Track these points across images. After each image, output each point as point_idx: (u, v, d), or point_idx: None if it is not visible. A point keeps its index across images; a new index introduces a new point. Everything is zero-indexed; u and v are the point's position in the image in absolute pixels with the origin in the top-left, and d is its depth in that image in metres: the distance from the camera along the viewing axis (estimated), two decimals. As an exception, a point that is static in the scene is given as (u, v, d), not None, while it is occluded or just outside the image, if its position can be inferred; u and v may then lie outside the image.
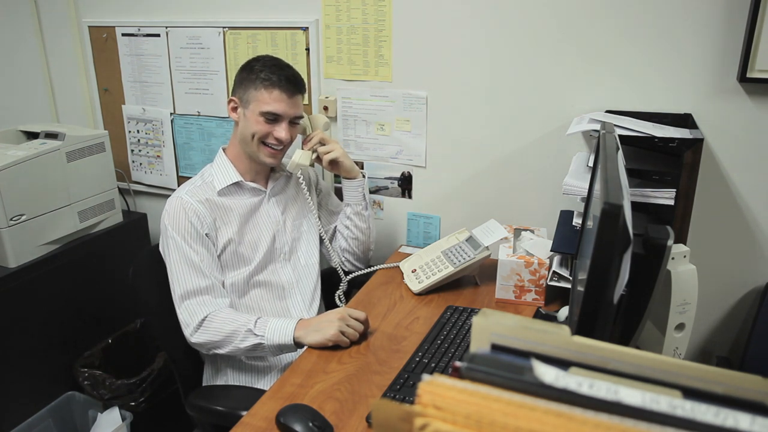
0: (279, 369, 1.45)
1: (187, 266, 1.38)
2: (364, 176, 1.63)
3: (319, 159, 1.57)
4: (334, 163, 1.57)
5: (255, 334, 1.32)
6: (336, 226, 1.69)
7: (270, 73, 1.40)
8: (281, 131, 1.43)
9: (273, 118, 1.42)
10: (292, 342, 1.30)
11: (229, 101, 1.48)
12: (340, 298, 1.63)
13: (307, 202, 1.60)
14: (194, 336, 1.35)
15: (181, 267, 1.38)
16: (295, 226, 1.58)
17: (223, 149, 1.54)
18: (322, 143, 1.56)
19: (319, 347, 1.28)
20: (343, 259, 1.68)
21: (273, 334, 1.31)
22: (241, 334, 1.33)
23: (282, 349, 1.33)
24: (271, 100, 1.40)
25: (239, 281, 1.46)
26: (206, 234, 1.41)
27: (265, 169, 1.53)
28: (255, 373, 1.45)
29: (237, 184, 1.49)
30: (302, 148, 1.55)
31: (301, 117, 1.49)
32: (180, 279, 1.37)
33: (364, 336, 1.33)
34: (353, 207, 1.63)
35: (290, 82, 1.42)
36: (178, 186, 2.05)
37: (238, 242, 1.46)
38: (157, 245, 1.47)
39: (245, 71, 1.44)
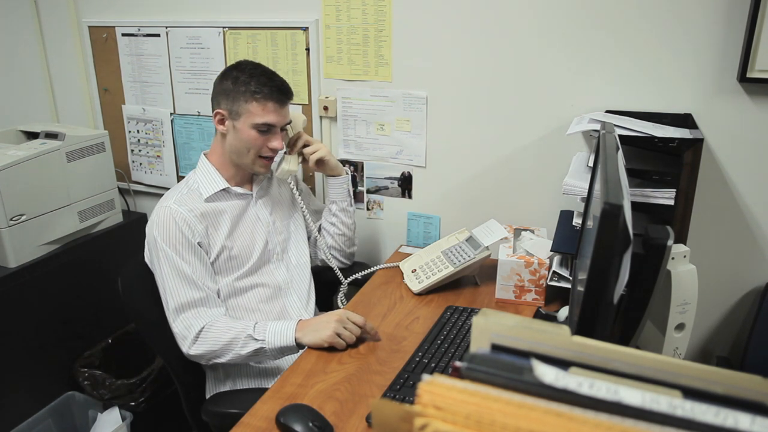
0: (282, 368, 1.44)
1: (180, 279, 1.35)
2: (347, 173, 1.65)
3: (304, 160, 1.57)
4: (320, 163, 1.59)
5: (255, 339, 1.31)
6: (321, 225, 1.70)
7: (260, 84, 1.38)
8: (276, 141, 1.42)
9: (266, 129, 1.41)
10: (294, 343, 1.30)
11: (215, 114, 1.44)
12: (342, 301, 1.63)
13: (297, 202, 1.60)
14: (192, 348, 1.33)
15: (173, 280, 1.35)
16: (284, 226, 1.58)
17: (205, 155, 1.51)
18: (306, 144, 1.57)
19: (316, 348, 1.28)
20: (329, 256, 1.67)
21: (273, 337, 1.31)
22: (241, 340, 1.32)
23: (283, 351, 1.33)
24: (264, 112, 1.39)
25: (236, 284, 1.45)
26: (198, 243, 1.39)
27: (250, 174, 1.53)
28: (262, 376, 1.44)
29: (224, 190, 1.47)
30: (287, 153, 1.54)
31: (290, 122, 1.49)
32: (173, 292, 1.35)
33: (362, 338, 1.33)
34: (339, 204, 1.64)
35: (281, 92, 1.41)
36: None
37: (231, 247, 1.44)
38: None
39: (229, 81, 1.41)
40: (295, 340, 1.30)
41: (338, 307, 1.59)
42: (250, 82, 1.39)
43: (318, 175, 1.95)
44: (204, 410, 1.34)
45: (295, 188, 1.57)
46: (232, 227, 1.46)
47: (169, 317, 1.36)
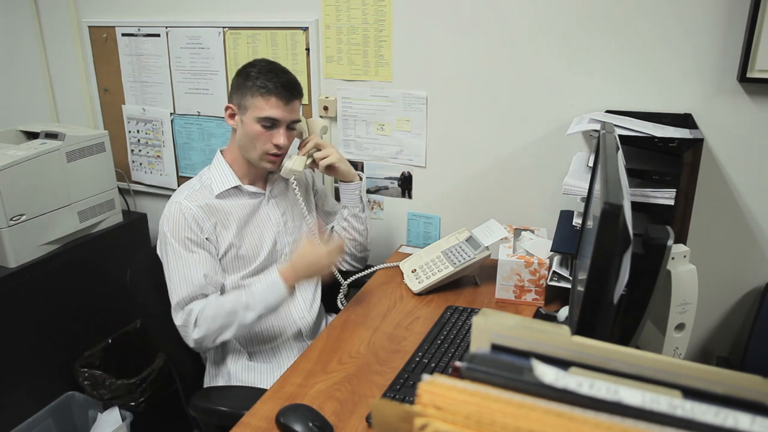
0: (281, 368, 1.44)
1: (185, 273, 1.38)
2: (361, 179, 1.63)
3: (314, 164, 1.56)
4: (330, 168, 1.57)
5: (251, 309, 1.36)
6: (333, 227, 1.69)
7: (266, 80, 1.39)
8: (279, 137, 1.42)
9: (270, 124, 1.41)
10: (287, 294, 1.37)
11: (226, 108, 1.46)
12: (341, 302, 1.63)
13: (299, 206, 1.58)
14: (194, 333, 1.35)
15: (179, 274, 1.38)
16: (295, 227, 1.58)
17: (221, 152, 1.53)
18: (317, 148, 1.55)
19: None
20: (340, 259, 1.68)
21: (267, 299, 1.36)
22: (240, 313, 1.35)
23: (279, 303, 1.38)
24: (267, 106, 1.40)
25: (241, 283, 1.46)
26: (206, 238, 1.41)
27: (263, 172, 1.53)
28: (257, 373, 1.45)
29: (235, 188, 1.48)
30: (297, 153, 1.54)
31: (299, 121, 1.48)
32: (177, 286, 1.37)
33: (364, 337, 1.33)
34: (350, 209, 1.63)
35: (286, 89, 1.41)
36: (178, 186, 2.05)
37: (239, 245, 1.45)
38: (155, 247, 1.47)
39: (241, 77, 1.43)
40: (287, 289, 1.36)
41: (339, 308, 1.59)
42: (258, 77, 1.40)
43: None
44: (191, 404, 1.35)
45: (297, 189, 1.55)
46: (242, 225, 1.47)
47: (173, 309, 1.39)
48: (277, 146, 1.43)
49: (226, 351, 1.47)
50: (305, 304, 1.54)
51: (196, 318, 1.36)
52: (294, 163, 1.49)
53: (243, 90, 1.42)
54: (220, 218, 1.44)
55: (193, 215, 1.40)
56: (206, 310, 1.36)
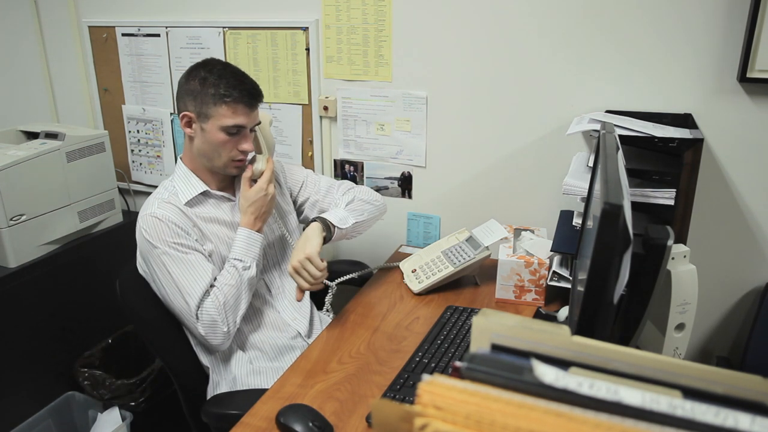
0: (286, 369, 1.43)
1: (194, 273, 1.34)
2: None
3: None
4: None
5: (248, 268, 1.38)
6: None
7: (230, 87, 1.34)
8: (245, 143, 1.39)
9: (236, 131, 1.37)
10: (262, 236, 1.43)
11: (182, 116, 1.38)
12: (330, 303, 1.62)
13: (288, 203, 1.55)
14: (224, 326, 1.33)
15: (187, 277, 1.33)
16: (270, 231, 1.54)
17: (181, 159, 1.47)
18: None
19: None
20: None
21: (252, 252, 1.40)
22: (243, 276, 1.37)
23: (261, 247, 1.44)
24: (234, 115, 1.35)
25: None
26: (196, 240, 1.38)
27: (228, 178, 1.49)
28: (263, 377, 1.43)
29: (204, 193, 1.43)
30: (256, 152, 1.48)
31: (259, 123, 1.45)
32: (191, 289, 1.33)
33: (364, 337, 1.32)
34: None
35: (252, 96, 1.37)
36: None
37: (219, 252, 1.42)
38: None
39: (195, 82, 1.36)
40: (259, 233, 1.42)
41: (328, 309, 1.59)
42: (219, 84, 1.34)
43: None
44: (204, 411, 1.33)
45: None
46: (216, 232, 1.43)
47: (189, 323, 1.34)
48: (243, 152, 1.40)
49: (229, 358, 1.44)
50: (293, 306, 1.52)
51: (217, 313, 1.32)
52: (261, 163, 1.45)
53: (203, 97, 1.35)
54: (197, 224, 1.41)
55: (174, 221, 1.35)
56: (218, 299, 1.33)
